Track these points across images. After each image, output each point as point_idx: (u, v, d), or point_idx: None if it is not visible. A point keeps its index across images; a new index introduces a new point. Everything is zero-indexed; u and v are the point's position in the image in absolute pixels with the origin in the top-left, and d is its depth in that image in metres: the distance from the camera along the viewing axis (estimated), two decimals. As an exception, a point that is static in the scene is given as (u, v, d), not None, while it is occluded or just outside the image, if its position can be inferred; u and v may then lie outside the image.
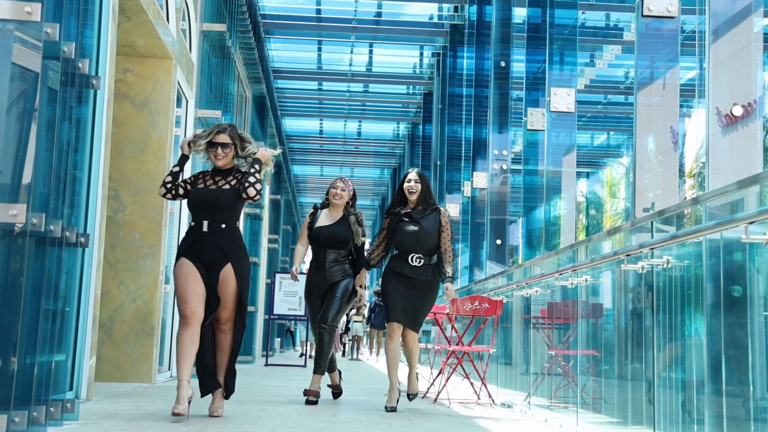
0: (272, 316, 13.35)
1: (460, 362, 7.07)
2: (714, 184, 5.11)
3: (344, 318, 18.53)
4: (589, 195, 24.19)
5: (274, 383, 7.92)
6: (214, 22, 9.12)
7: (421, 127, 18.21)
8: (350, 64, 16.17)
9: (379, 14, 14.28)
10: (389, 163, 24.11)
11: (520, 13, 11.99)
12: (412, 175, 5.91)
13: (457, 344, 7.22)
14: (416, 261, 5.76)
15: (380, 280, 5.95)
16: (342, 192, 6.21)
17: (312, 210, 6.39)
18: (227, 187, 4.79)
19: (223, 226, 4.73)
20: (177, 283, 4.69)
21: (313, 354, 6.56)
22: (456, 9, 13.90)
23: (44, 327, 3.74)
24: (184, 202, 6.11)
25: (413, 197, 5.84)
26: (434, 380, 7.21)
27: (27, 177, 3.59)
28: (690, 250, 4.12)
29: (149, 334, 7.12)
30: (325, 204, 6.34)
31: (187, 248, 4.73)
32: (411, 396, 6.16)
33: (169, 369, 7.98)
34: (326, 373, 6.20)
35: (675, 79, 6.79)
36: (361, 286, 6.14)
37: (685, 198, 10.14)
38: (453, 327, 7.47)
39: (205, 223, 4.71)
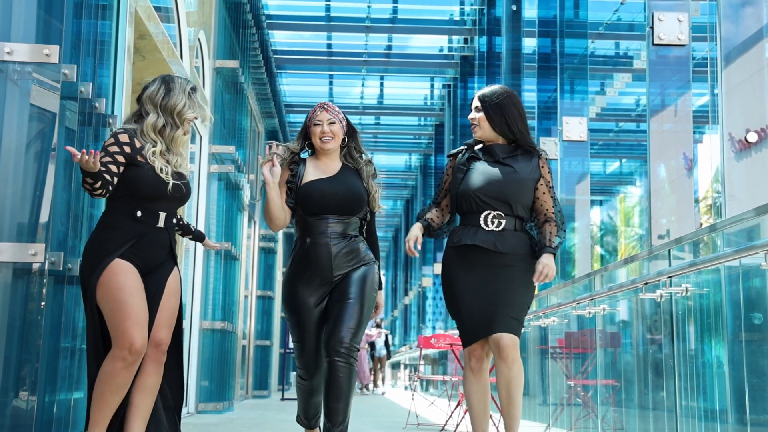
0: (287, 350, 13.31)
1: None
2: (730, 210, 5.10)
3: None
4: (603, 223, 24.13)
5: (290, 417, 7.87)
6: (226, 58, 9.21)
7: (433, 158, 18.27)
8: (361, 97, 16.28)
9: (389, 47, 14.40)
10: (402, 195, 24.15)
11: (530, 44, 12.07)
12: (474, 101, 3.78)
13: (474, 376, 7.15)
14: (494, 223, 3.58)
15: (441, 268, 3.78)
16: (331, 127, 3.80)
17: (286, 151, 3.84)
18: (185, 172, 3.61)
19: (175, 220, 3.57)
20: (119, 296, 3.25)
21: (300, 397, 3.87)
22: (466, 41, 14.00)
23: (63, 365, 3.75)
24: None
25: (478, 134, 3.73)
26: (452, 412, 7.16)
27: (45, 216, 3.63)
28: (708, 277, 4.10)
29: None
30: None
31: (130, 246, 3.33)
32: None
33: (186, 405, 7.95)
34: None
35: (687, 105, 6.79)
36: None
37: (701, 225, 10.08)
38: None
39: (162, 216, 3.44)
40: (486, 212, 3.60)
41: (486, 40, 13.16)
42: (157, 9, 6.28)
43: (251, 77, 11.37)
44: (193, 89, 3.53)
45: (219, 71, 8.99)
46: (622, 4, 11.95)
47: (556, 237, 3.60)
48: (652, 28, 6.28)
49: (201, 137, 8.43)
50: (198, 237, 3.88)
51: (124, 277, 3.26)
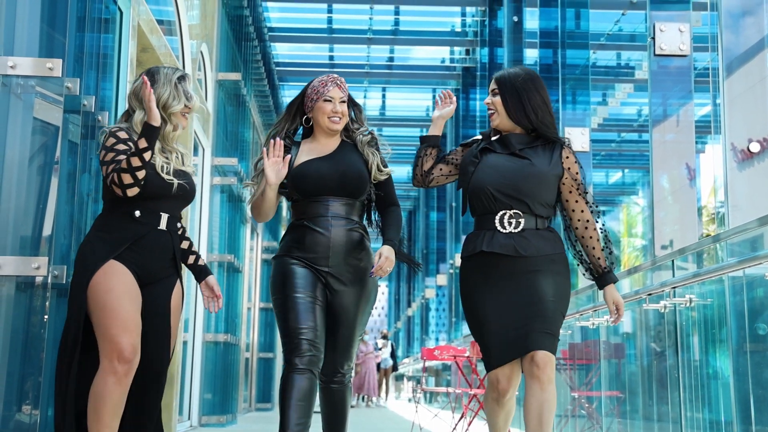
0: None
1: (483, 406, 6.99)
2: (733, 221, 5.09)
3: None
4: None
5: (294, 430, 7.86)
6: (229, 71, 9.24)
7: (435, 169, 18.28)
8: (364, 109, 16.33)
9: (391, 59, 14.44)
10: (405, 206, 24.17)
11: (531, 55, 12.09)
12: (491, 83, 3.28)
13: (478, 387, 7.15)
14: (511, 224, 3.11)
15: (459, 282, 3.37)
16: (342, 107, 3.46)
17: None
18: (189, 169, 3.32)
19: (178, 225, 3.28)
20: (106, 300, 2.99)
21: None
22: (467, 52, 14.04)
23: (66, 379, 3.74)
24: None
25: (496, 121, 3.24)
26: (456, 424, 7.13)
27: (48, 229, 3.63)
28: (712, 287, 4.09)
29: (169, 383, 7.09)
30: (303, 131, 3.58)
31: (127, 249, 3.08)
32: None
33: (189, 419, 7.94)
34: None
35: (689, 115, 6.80)
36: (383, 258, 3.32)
37: (704, 235, 10.08)
38: (474, 369, 7.41)
39: (165, 218, 3.18)
40: (502, 212, 3.10)
41: (488, 52, 13.20)
42: (160, 22, 6.30)
43: (253, 89, 11.40)
44: (181, 78, 3.26)
45: (221, 84, 9.02)
46: (623, 15, 11.98)
47: (603, 252, 3.15)
48: (653, 38, 6.30)
49: (204, 150, 8.45)
50: (199, 273, 3.37)
51: (114, 281, 3.02)
